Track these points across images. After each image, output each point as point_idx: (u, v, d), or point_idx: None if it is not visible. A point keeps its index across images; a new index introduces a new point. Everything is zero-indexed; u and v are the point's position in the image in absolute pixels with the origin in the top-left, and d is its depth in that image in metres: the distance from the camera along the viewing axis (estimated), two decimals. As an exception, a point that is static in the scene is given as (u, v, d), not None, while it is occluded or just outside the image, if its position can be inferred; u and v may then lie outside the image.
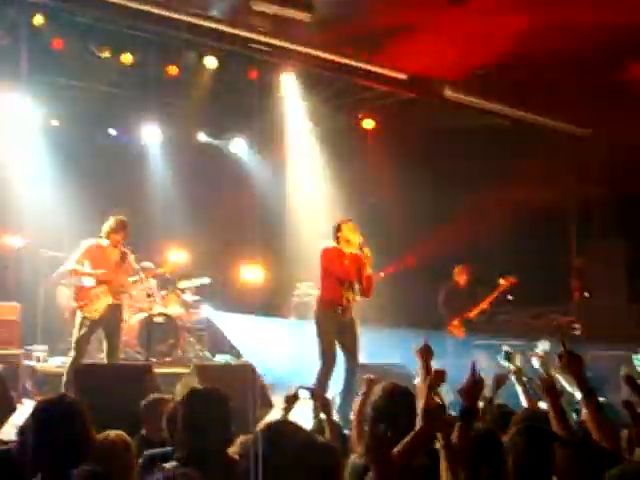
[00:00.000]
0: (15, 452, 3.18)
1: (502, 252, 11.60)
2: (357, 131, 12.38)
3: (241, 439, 4.22)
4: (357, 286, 8.09)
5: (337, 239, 8.10)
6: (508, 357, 5.15)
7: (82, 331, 8.36)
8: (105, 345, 8.62)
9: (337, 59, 10.34)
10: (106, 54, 9.98)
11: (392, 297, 11.08)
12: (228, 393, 4.46)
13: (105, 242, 8.65)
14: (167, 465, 3.23)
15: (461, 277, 10.42)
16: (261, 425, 3.46)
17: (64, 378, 8.06)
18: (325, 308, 8.00)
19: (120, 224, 8.68)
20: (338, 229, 8.10)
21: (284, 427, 2.87)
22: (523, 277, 10.29)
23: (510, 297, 10.38)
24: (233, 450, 4.19)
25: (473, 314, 10.03)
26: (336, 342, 7.98)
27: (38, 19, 9.34)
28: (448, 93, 10.95)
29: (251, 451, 2.62)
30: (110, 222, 8.66)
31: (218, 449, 3.54)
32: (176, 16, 9.30)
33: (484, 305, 10.08)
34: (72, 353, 8.41)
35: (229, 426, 3.65)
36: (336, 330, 7.94)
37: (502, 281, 10.06)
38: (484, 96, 11.14)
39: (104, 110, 11.94)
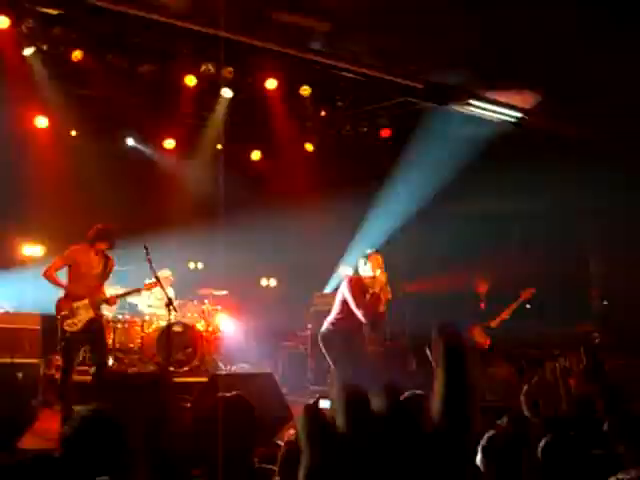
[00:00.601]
0: (58, 459, 3.20)
1: (519, 261, 11.60)
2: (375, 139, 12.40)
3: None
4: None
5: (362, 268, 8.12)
6: None
7: (64, 344, 8.15)
8: (92, 359, 8.42)
9: (355, 68, 10.35)
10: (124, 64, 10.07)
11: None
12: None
13: (89, 249, 8.36)
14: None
15: (481, 286, 10.47)
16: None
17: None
18: (339, 334, 8.06)
19: (106, 232, 8.42)
20: (365, 262, 8.08)
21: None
22: (540, 285, 10.33)
23: (528, 306, 10.38)
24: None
25: (495, 323, 10.05)
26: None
27: (57, 31, 9.47)
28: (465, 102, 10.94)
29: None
30: (96, 229, 8.39)
31: (243, 456, 3.54)
32: (194, 27, 9.36)
33: (505, 315, 10.08)
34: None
35: (254, 434, 3.65)
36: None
37: (522, 292, 10.08)
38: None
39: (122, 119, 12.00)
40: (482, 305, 10.37)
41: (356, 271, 8.23)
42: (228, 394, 3.84)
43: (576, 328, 11.13)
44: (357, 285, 8.05)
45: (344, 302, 8.09)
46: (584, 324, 11.34)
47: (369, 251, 8.21)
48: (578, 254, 12.30)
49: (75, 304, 8.19)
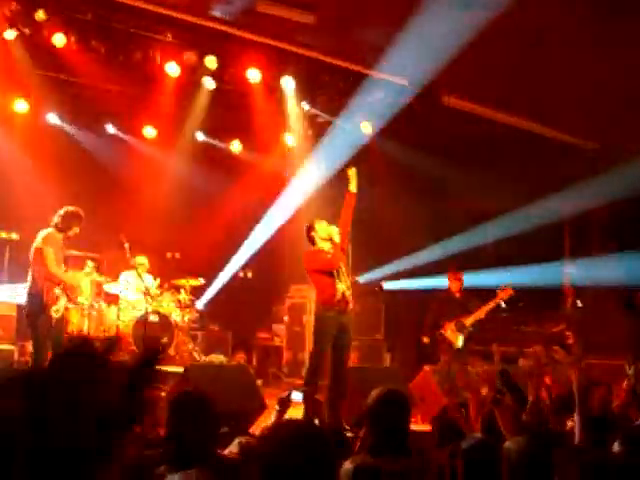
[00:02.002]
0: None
1: (498, 258, 11.70)
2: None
3: (239, 440, 4.23)
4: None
5: (312, 240, 8.03)
6: None
7: (47, 332, 7.95)
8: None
9: (338, 63, 10.37)
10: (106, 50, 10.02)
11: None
12: (222, 393, 4.48)
13: (59, 235, 8.19)
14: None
15: (454, 284, 10.39)
16: (261, 427, 3.49)
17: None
18: (322, 311, 7.89)
19: (79, 216, 8.24)
20: (310, 229, 8.02)
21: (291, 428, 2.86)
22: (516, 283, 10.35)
23: (504, 305, 10.33)
24: (231, 450, 4.21)
25: (469, 322, 9.99)
26: (330, 345, 7.89)
27: (39, 14, 9.39)
28: (448, 100, 11.00)
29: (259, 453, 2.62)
30: (66, 213, 8.18)
31: (204, 450, 3.55)
32: (178, 15, 9.35)
33: (480, 314, 10.05)
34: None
35: (215, 427, 3.71)
36: (334, 333, 7.81)
37: (499, 292, 10.04)
38: (484, 103, 11.19)
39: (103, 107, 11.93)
40: (456, 302, 10.32)
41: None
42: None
43: (550, 327, 11.20)
44: (307, 257, 8.05)
45: (312, 280, 8.10)
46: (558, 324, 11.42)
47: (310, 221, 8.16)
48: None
49: (56, 290, 8.05)
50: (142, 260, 11.04)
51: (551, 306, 11.86)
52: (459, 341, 9.98)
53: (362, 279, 11.73)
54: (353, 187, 8.05)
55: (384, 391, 3.92)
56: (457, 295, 10.32)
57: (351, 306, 7.92)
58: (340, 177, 8.23)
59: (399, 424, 3.80)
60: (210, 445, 3.61)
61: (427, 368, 9.06)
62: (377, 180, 11.84)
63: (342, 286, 7.82)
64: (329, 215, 8.42)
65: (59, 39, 9.74)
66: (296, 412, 7.61)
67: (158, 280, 11.23)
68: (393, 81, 10.78)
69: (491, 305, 10.01)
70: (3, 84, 10.68)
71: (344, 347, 7.91)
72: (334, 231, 7.91)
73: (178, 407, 3.70)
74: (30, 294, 8.07)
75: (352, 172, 8.11)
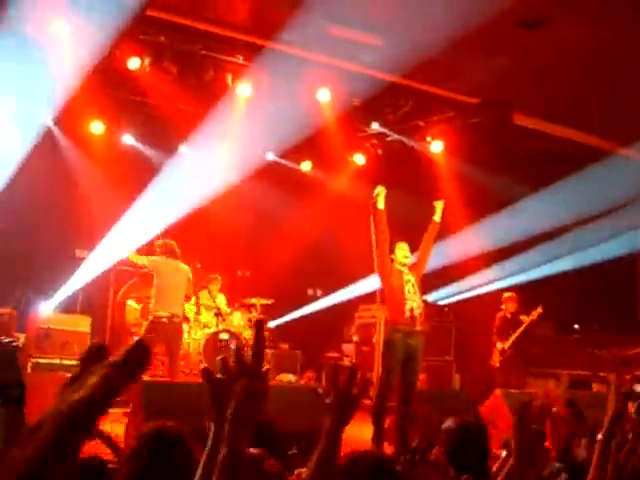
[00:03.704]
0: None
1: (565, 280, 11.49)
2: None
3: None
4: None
5: (391, 261, 7.99)
6: None
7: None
8: None
9: (407, 83, 10.36)
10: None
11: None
12: (290, 413, 4.36)
13: None
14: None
15: (509, 305, 10.46)
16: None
17: None
18: (391, 332, 7.86)
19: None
20: (391, 251, 7.96)
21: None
22: (589, 305, 10.22)
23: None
24: (299, 472, 4.15)
25: (507, 345, 10.09)
26: (398, 367, 7.79)
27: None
28: (518, 118, 10.89)
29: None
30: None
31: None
32: (246, 38, 9.49)
33: (515, 336, 10.25)
34: None
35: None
36: (402, 356, 7.75)
37: (525, 317, 10.29)
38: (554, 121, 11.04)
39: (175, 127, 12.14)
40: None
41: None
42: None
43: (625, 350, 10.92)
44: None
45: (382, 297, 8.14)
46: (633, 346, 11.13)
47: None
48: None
49: None
50: (215, 276, 11.20)
51: (627, 329, 11.55)
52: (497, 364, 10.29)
53: (430, 298, 11.66)
54: (438, 217, 8.15)
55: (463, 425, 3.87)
56: (511, 316, 10.50)
57: (420, 327, 7.87)
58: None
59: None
60: None
61: (498, 392, 8.93)
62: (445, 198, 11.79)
63: (412, 305, 7.81)
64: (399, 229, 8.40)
65: (133, 62, 9.99)
66: (366, 432, 7.60)
67: (225, 298, 11.36)
68: (463, 100, 10.73)
69: (521, 329, 10.24)
70: (80, 106, 10.95)
71: (412, 370, 7.85)
72: (407, 258, 7.95)
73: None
74: None
75: (439, 204, 8.18)
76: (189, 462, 2.64)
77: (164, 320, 8.89)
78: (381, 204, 7.92)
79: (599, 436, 3.16)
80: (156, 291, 9.07)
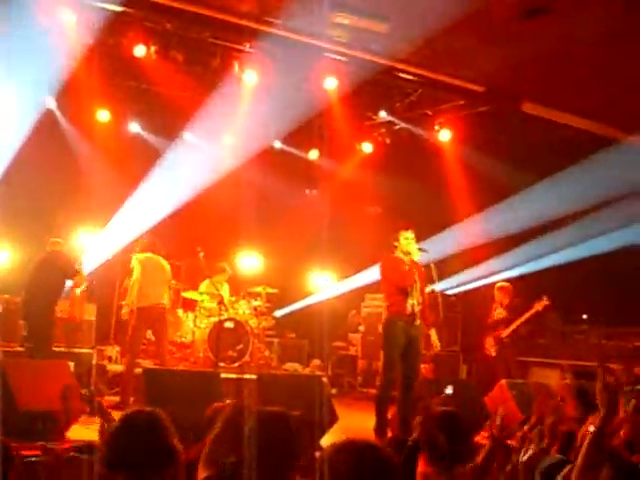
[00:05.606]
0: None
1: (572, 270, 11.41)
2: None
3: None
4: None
5: (392, 247, 8.00)
6: None
7: None
8: None
9: (414, 70, 10.30)
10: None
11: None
12: (292, 403, 4.39)
13: None
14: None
15: (504, 296, 10.31)
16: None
17: None
18: (392, 322, 7.86)
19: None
20: (395, 238, 7.98)
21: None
22: (597, 295, 10.10)
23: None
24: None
25: (505, 334, 9.95)
26: (399, 354, 7.81)
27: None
28: (526, 106, 10.80)
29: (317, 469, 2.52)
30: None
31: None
32: (253, 25, 9.41)
33: (515, 326, 10.04)
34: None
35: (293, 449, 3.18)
36: (404, 344, 7.77)
37: (536, 303, 9.99)
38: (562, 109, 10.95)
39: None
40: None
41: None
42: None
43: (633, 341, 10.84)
44: (386, 263, 8.04)
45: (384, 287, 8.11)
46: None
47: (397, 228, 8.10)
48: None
49: None
50: (223, 265, 11.18)
51: (636, 320, 11.48)
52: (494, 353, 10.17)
53: (438, 287, 11.60)
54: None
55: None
56: (506, 306, 10.35)
57: (419, 322, 7.87)
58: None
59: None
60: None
61: (503, 382, 8.89)
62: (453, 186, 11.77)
63: (412, 301, 7.82)
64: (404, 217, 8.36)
65: (139, 50, 9.95)
66: (368, 422, 7.59)
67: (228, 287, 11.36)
68: (471, 88, 10.65)
69: (526, 317, 10.00)
70: (86, 94, 10.92)
71: (413, 359, 7.85)
72: (415, 250, 7.90)
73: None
74: None
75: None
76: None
77: (147, 305, 9.08)
78: None
79: (591, 428, 3.15)
80: (138, 285, 9.13)
